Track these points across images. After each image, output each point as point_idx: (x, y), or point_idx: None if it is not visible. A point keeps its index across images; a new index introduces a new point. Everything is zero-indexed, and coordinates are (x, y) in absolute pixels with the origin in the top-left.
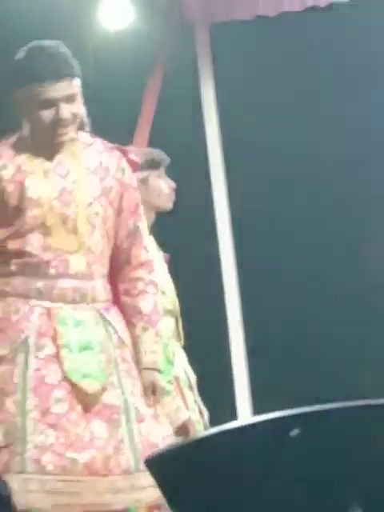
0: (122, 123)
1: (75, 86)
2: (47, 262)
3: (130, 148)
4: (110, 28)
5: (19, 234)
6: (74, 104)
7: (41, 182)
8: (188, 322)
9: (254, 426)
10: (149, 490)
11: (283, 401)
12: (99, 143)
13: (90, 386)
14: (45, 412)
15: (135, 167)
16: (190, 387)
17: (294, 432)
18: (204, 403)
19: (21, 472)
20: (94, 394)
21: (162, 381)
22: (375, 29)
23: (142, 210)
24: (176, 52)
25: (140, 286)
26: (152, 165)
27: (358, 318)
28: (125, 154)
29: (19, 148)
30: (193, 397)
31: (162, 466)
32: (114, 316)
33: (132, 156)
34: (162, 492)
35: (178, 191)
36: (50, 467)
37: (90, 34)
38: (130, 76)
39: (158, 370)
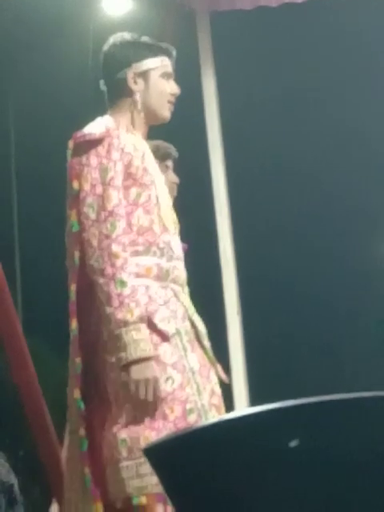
0: None
1: None
2: (167, 243)
3: None
4: (110, 15)
5: (145, 210)
6: None
7: (152, 162)
8: None
9: (253, 416)
10: None
11: (280, 393)
12: None
13: (220, 371)
14: (211, 393)
15: None
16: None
17: (293, 443)
18: None
19: None
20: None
21: None
22: (376, 21)
23: None
24: (177, 41)
25: None
26: (154, 156)
27: (356, 312)
28: None
29: (128, 125)
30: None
31: (160, 455)
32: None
33: None
34: (160, 482)
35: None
36: None
37: (91, 20)
38: None
39: None
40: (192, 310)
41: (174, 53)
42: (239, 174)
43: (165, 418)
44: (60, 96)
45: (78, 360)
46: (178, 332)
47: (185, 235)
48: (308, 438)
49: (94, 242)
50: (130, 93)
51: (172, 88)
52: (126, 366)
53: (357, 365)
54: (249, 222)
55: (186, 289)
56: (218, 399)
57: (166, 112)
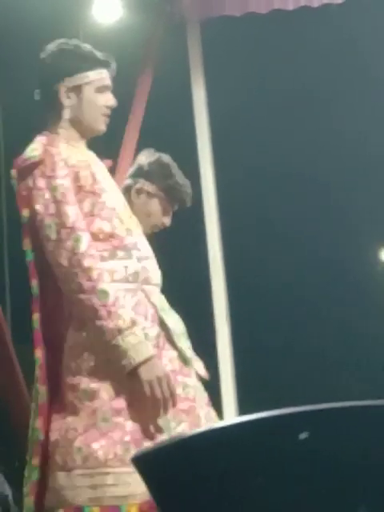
0: (112, 118)
1: None
2: (134, 244)
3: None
4: (100, 23)
5: (103, 218)
6: None
7: (100, 168)
8: None
9: (242, 425)
10: None
11: (269, 399)
12: None
13: (199, 369)
14: (179, 399)
15: None
16: None
17: (303, 435)
18: None
19: None
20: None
21: None
22: (365, 30)
23: None
24: (167, 48)
25: None
26: (170, 195)
27: (347, 318)
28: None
29: (66, 138)
30: None
31: (148, 464)
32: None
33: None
34: (148, 490)
35: None
36: None
37: (81, 27)
38: (120, 71)
39: None
40: (165, 309)
41: (113, 64)
42: (229, 180)
43: (122, 427)
44: None
45: (43, 388)
46: (145, 337)
47: (174, 242)
48: (298, 447)
49: (64, 262)
50: (62, 107)
51: (107, 100)
52: (132, 372)
53: (346, 372)
54: (238, 227)
55: (156, 288)
56: (189, 404)
57: (100, 125)
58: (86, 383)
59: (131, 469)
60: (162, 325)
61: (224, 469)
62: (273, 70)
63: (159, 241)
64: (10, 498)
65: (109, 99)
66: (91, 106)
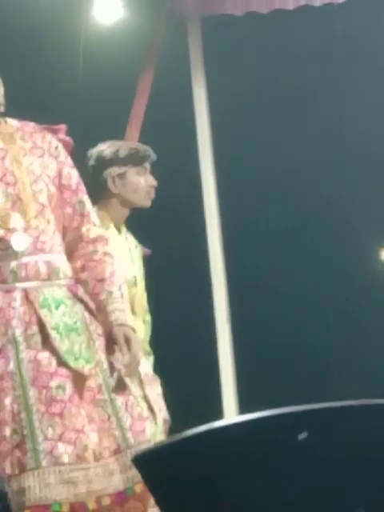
0: (114, 117)
1: None
2: (7, 242)
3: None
4: (101, 22)
5: None
6: None
7: None
8: (175, 322)
9: (243, 424)
10: None
11: (269, 400)
12: (29, 125)
13: (84, 368)
14: (48, 402)
15: (68, 146)
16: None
17: (302, 435)
18: (190, 402)
19: (36, 468)
20: (87, 376)
21: (134, 334)
22: (367, 30)
23: (83, 186)
24: (168, 47)
25: (96, 257)
26: (133, 160)
27: (347, 322)
28: (55, 133)
29: None
30: (140, 391)
31: (149, 463)
32: (82, 291)
33: (62, 135)
34: (149, 489)
35: (167, 187)
36: (64, 458)
37: (82, 27)
38: (121, 71)
39: (130, 327)
40: (50, 306)
41: None
42: (230, 180)
43: None
44: (50, 102)
45: None
46: (13, 340)
47: (175, 243)
48: (297, 446)
49: None
50: None
51: None
52: None
53: (348, 372)
54: (239, 226)
55: (54, 282)
56: (62, 405)
57: None
58: None
59: None
60: (41, 323)
61: (223, 468)
62: (274, 69)
63: (159, 240)
64: (10, 495)
65: None
66: None
